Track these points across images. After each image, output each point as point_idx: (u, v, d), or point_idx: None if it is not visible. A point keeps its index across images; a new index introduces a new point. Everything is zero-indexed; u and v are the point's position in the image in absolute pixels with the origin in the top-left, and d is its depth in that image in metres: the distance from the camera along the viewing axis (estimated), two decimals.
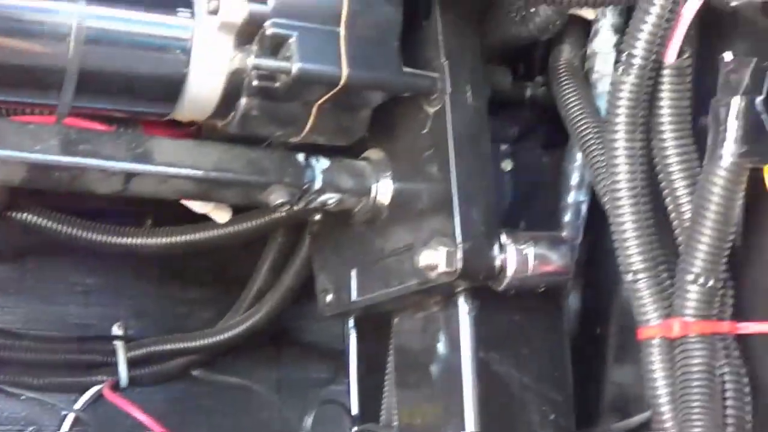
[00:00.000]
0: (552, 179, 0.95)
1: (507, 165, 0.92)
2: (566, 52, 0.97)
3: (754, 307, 0.82)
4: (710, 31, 0.86)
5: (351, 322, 1.07)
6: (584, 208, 0.96)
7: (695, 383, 0.77)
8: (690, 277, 0.78)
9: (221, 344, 1.22)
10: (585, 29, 0.97)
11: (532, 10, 0.91)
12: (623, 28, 0.87)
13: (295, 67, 0.78)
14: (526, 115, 1.02)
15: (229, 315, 1.23)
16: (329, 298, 0.99)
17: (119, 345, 1.22)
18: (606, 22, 0.95)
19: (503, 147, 0.93)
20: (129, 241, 1.11)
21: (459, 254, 0.81)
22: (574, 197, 0.96)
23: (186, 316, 1.28)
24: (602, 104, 0.95)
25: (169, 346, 1.22)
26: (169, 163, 0.81)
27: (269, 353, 1.29)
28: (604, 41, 0.96)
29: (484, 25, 0.95)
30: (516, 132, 1.01)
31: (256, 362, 1.28)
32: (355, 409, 1.09)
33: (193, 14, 0.79)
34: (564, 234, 0.95)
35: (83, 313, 1.24)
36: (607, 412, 1.00)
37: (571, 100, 0.92)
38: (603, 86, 0.95)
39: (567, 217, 0.96)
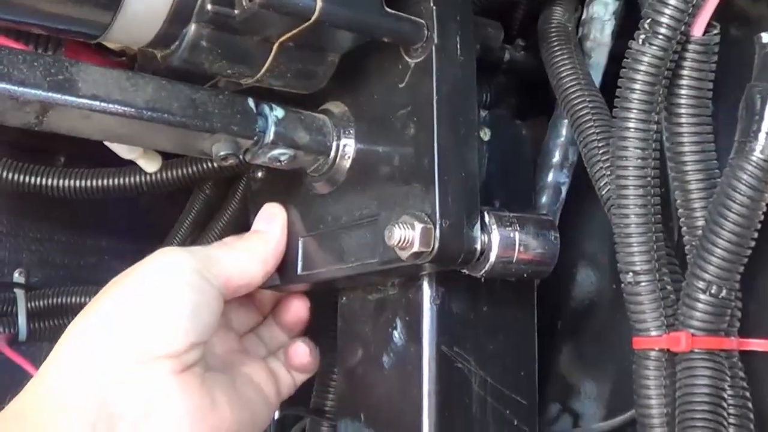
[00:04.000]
0: (529, 153, 0.83)
1: (485, 134, 0.79)
2: (558, 14, 0.85)
3: (761, 323, 0.72)
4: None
5: None
6: (564, 189, 0.85)
7: (699, 406, 0.67)
8: (701, 285, 0.67)
9: None
10: None
11: None
12: None
13: None
14: (501, 81, 0.90)
15: None
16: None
17: (20, 294, 1.11)
18: None
19: (483, 113, 0.79)
20: (37, 181, 0.99)
21: (437, 233, 0.69)
22: (554, 177, 0.85)
23: (95, 267, 1.18)
24: (596, 76, 0.84)
25: (75, 299, 1.10)
26: (95, 95, 0.67)
27: None
28: (603, 6, 0.85)
29: None
30: (488, 98, 0.90)
31: None
32: None
33: None
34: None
35: None
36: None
37: (565, 68, 0.81)
38: (598, 56, 0.86)
39: (544, 199, 0.85)
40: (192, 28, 0.68)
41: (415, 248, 0.68)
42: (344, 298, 0.83)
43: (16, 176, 0.99)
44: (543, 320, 0.82)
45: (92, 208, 1.12)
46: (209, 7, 0.67)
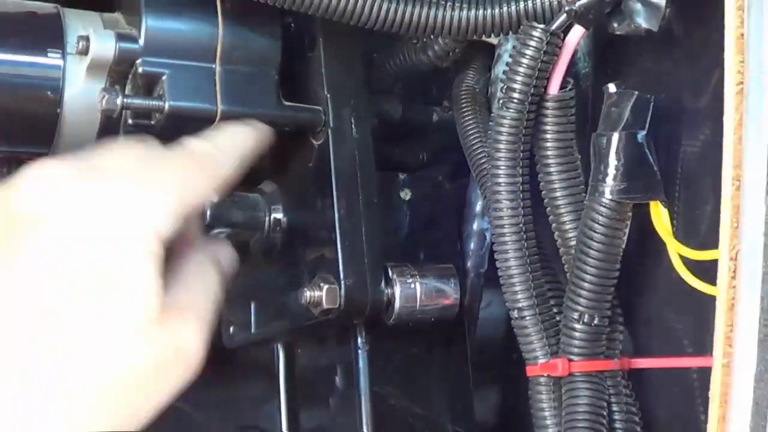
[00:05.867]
0: (454, 207, 0.94)
1: (406, 194, 0.90)
2: (469, 78, 0.95)
3: (649, 343, 0.81)
4: (606, 58, 0.85)
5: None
6: (488, 235, 0.95)
7: (580, 423, 0.75)
8: (575, 315, 0.76)
9: None
10: (489, 54, 0.95)
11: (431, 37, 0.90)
12: None
13: (167, 105, 0.77)
14: (434, 141, 1.01)
15: None
16: (232, 329, 0.97)
17: None
18: (509, 46, 0.92)
19: (402, 176, 0.91)
20: None
21: (342, 291, 0.80)
22: (479, 225, 0.95)
23: None
24: None
25: None
26: None
27: (201, 373, 1.27)
28: (504, 65, 0.94)
29: (384, 52, 0.94)
30: (423, 158, 1.00)
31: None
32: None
33: (63, 55, 0.77)
34: (469, 264, 0.94)
35: None
36: None
37: (469, 128, 0.91)
38: None
39: (472, 246, 0.95)
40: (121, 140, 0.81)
41: (324, 306, 0.79)
42: (299, 350, 0.94)
43: None
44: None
45: None
46: (130, 121, 0.79)
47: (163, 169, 0.68)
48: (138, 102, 0.77)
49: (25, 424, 0.59)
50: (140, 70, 0.78)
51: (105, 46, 0.76)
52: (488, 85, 0.95)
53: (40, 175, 0.64)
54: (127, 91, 0.79)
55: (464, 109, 0.92)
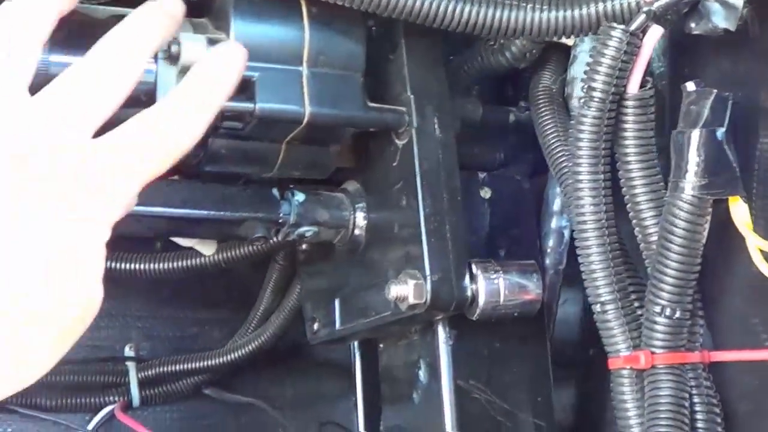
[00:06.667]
0: (533, 205, 0.96)
1: (486, 193, 0.92)
2: (545, 79, 0.97)
3: (728, 336, 0.82)
4: (682, 58, 0.87)
5: (356, 342, 1.08)
6: (567, 233, 0.96)
7: (663, 414, 0.77)
8: (656, 309, 0.78)
9: (231, 363, 1.23)
10: (565, 55, 0.97)
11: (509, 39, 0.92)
12: None
13: (258, 107, 0.79)
14: (512, 140, 1.03)
15: (237, 335, 1.25)
16: (316, 326, 1.00)
17: (131, 366, 1.24)
18: (585, 47, 0.94)
19: (482, 175, 0.93)
20: (139, 266, 1.13)
21: (428, 286, 0.82)
22: (557, 223, 0.97)
23: (196, 336, 1.29)
24: None
25: (179, 366, 1.24)
26: (140, 203, 0.83)
27: (280, 371, 1.30)
28: (582, 66, 0.95)
29: (462, 54, 0.96)
30: (501, 157, 1.02)
31: (267, 380, 1.29)
32: (361, 428, 1.10)
33: (156, 59, 0.79)
34: (547, 261, 0.96)
35: (96, 335, 1.25)
36: None
37: (548, 128, 0.92)
38: None
39: (550, 243, 0.96)
40: (210, 141, 0.83)
41: (410, 301, 0.82)
42: (381, 345, 0.97)
43: (122, 265, 1.13)
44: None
45: (191, 284, 1.21)
46: (221, 123, 0.82)
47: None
48: (229, 104, 0.79)
49: None
50: None
51: (196, 50, 0.78)
52: (565, 86, 0.96)
53: None
54: None
55: (542, 110, 0.94)
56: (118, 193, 0.65)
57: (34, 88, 0.66)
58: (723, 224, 0.77)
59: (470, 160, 0.98)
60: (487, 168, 0.99)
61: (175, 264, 1.10)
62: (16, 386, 0.64)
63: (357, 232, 0.92)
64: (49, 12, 0.68)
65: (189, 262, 1.09)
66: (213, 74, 0.70)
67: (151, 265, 1.10)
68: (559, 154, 0.90)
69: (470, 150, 0.98)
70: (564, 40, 0.88)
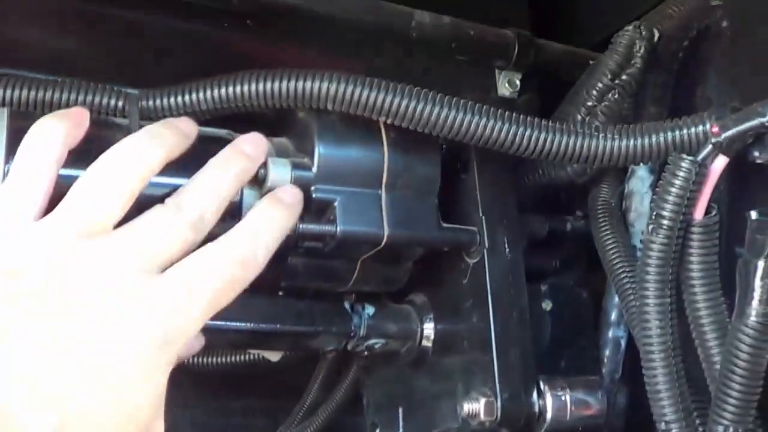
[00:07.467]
0: (591, 316, 0.99)
1: (547, 305, 0.95)
2: (604, 192, 1.00)
3: None
4: (740, 185, 0.90)
5: None
6: (623, 343, 0.99)
7: None
8: (720, 429, 0.80)
9: None
10: (623, 169, 1.00)
11: None
12: (659, 168, 0.92)
13: (339, 230, 0.83)
14: (567, 248, 1.06)
15: (283, 427, 1.27)
16: (378, 431, 1.03)
17: None
18: None
19: (543, 287, 0.96)
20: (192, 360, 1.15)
21: (498, 404, 0.85)
22: (614, 333, 0.99)
23: (243, 426, 1.31)
24: (638, 243, 0.98)
25: None
26: (221, 317, 0.85)
27: None
28: (640, 181, 0.99)
29: (523, 168, 1.00)
30: (557, 264, 1.05)
31: None
32: None
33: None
34: (604, 370, 0.99)
35: None
36: None
37: (608, 241, 0.95)
38: (640, 225, 0.99)
39: (607, 353, 0.99)
40: (289, 260, 0.86)
41: (481, 418, 0.85)
42: None
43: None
44: None
45: (238, 371, 1.21)
46: (301, 243, 0.85)
47: (196, 283, 0.69)
48: (313, 228, 0.82)
49: None
50: (314, 196, 0.83)
51: (281, 173, 0.81)
52: (623, 199, 1.00)
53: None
54: None
55: (602, 224, 0.97)
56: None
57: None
58: None
59: (528, 268, 1.00)
60: (543, 275, 1.02)
61: (234, 358, 1.12)
62: None
63: (424, 343, 0.95)
64: (65, 141, 0.71)
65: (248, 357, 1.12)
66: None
67: (213, 359, 1.13)
68: (620, 269, 0.93)
69: (528, 258, 1.01)
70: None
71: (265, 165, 0.81)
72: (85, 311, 0.64)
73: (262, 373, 1.26)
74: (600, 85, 0.93)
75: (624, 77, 0.93)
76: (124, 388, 0.63)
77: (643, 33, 0.94)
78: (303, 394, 1.27)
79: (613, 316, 1.00)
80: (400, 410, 0.99)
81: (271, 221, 0.76)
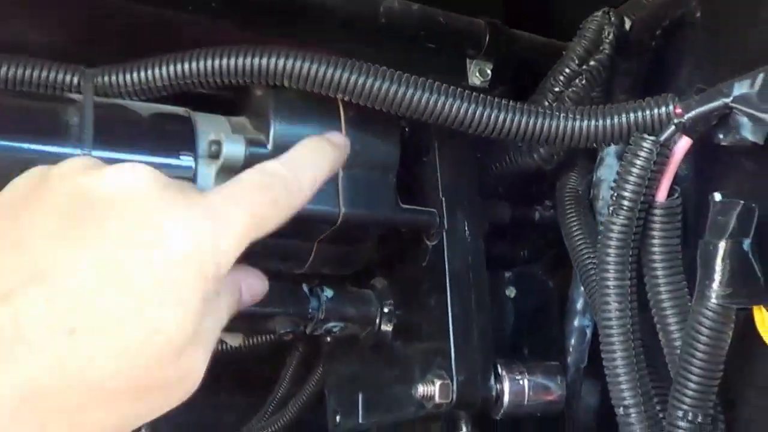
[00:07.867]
0: (556, 304, 0.97)
1: (510, 292, 0.94)
2: (572, 181, 0.98)
3: None
4: (706, 168, 0.89)
5: None
6: (589, 332, 0.98)
7: None
8: (679, 414, 0.79)
9: None
10: (591, 157, 0.99)
11: None
12: None
13: None
14: (535, 238, 1.04)
15: (254, 420, 1.26)
16: (338, 418, 1.01)
17: None
18: (611, 150, 0.96)
19: (507, 274, 0.95)
20: None
21: (454, 387, 0.83)
22: (580, 322, 0.98)
23: (212, 423, 1.30)
24: None
25: None
26: None
27: None
28: (608, 169, 0.97)
29: (491, 156, 0.98)
30: (525, 254, 1.04)
31: None
32: None
33: (195, 157, 0.81)
34: (569, 359, 0.98)
35: None
36: None
37: (574, 228, 0.94)
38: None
39: (572, 342, 0.98)
40: None
41: (436, 400, 0.83)
42: None
43: None
44: None
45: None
46: None
47: (234, 198, 0.66)
48: None
49: None
50: None
51: (235, 150, 0.80)
52: (591, 188, 0.98)
53: (130, 171, 0.63)
54: None
55: (569, 212, 0.96)
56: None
57: None
58: (747, 330, 0.79)
59: (494, 256, 0.99)
60: (509, 264, 1.01)
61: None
62: None
63: (384, 328, 0.93)
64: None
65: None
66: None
67: None
68: (585, 257, 0.92)
69: (495, 247, 0.99)
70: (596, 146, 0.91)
71: (219, 142, 0.80)
72: (114, 215, 0.60)
73: (232, 369, 1.26)
74: (567, 70, 0.92)
75: (592, 63, 0.92)
76: (148, 302, 0.58)
77: (612, 19, 0.93)
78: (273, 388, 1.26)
79: (579, 305, 0.98)
80: (360, 396, 0.97)
81: (316, 152, 0.75)
